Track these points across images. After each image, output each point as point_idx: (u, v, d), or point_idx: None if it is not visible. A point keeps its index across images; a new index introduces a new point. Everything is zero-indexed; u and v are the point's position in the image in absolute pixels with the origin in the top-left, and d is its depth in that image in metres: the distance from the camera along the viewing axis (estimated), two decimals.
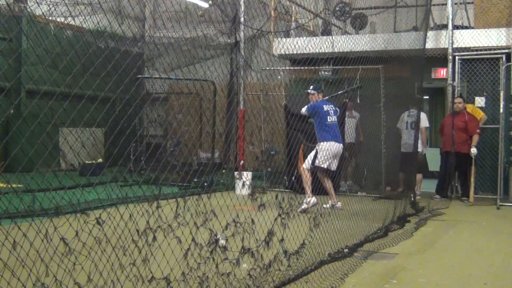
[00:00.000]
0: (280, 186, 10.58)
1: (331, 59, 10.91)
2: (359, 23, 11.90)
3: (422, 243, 6.43)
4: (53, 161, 3.92)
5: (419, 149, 10.17)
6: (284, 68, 12.13)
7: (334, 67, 11.19)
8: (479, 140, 10.06)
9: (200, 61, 13.49)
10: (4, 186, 4.30)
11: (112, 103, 4.32)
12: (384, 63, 9.03)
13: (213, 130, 12.97)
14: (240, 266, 3.94)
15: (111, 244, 3.27)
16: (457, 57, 10.64)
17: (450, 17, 10.76)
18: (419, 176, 10.41)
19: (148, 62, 15.18)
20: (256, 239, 4.11)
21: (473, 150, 9.87)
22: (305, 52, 9.90)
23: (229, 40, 14.04)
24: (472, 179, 9.91)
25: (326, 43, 10.08)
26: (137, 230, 3.38)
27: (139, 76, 13.21)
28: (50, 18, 10.88)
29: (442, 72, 11.33)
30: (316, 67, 11.32)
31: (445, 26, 11.19)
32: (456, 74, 10.66)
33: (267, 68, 11.64)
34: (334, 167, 8.50)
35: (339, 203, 8.39)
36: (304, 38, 12.13)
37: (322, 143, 8.37)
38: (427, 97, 15.57)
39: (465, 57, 10.66)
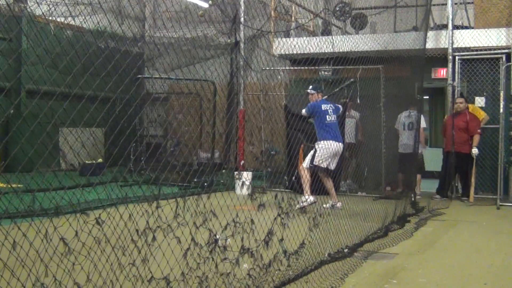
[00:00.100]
0: (280, 186, 10.58)
1: (331, 59, 10.91)
2: (359, 23, 11.89)
3: (422, 243, 6.43)
4: (53, 161, 3.93)
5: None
6: (284, 68, 12.14)
7: (334, 67, 11.20)
8: (479, 140, 10.06)
9: (200, 61, 13.49)
10: (4, 186, 4.30)
11: (112, 103, 4.32)
12: (384, 63, 9.03)
13: (213, 130, 12.98)
14: (241, 266, 3.94)
15: (110, 244, 3.26)
16: (457, 57, 10.64)
17: (450, 17, 10.76)
18: (418, 176, 10.44)
19: (148, 62, 15.18)
20: (256, 239, 4.10)
21: (474, 151, 9.87)
22: (305, 52, 9.90)
23: (229, 40, 14.03)
24: (473, 179, 9.91)
25: (326, 43, 10.07)
26: (137, 230, 3.38)
27: (139, 76, 13.21)
28: (50, 18, 10.87)
29: (442, 72, 11.33)
30: (316, 67, 11.32)
31: (445, 26, 11.19)
32: (456, 74, 10.66)
33: (267, 68, 11.64)
34: (333, 166, 8.51)
35: (338, 203, 8.41)
36: (304, 38, 12.13)
37: (321, 142, 8.40)
38: (427, 97, 15.56)
39: (465, 57, 10.66)
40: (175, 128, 12.98)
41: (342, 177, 10.39)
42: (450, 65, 10.72)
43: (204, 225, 3.73)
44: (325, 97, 9.11)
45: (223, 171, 12.31)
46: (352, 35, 11.46)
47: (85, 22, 9.35)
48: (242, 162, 11.59)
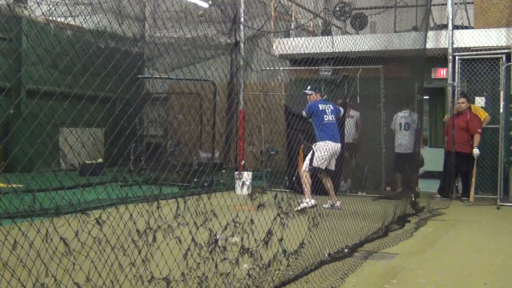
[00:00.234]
0: (281, 186, 10.59)
1: (331, 59, 10.91)
2: (359, 23, 11.90)
3: (422, 243, 6.43)
4: (53, 161, 3.93)
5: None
6: (284, 68, 12.14)
7: (334, 67, 11.20)
8: (480, 140, 10.05)
9: (200, 61, 13.49)
10: (4, 186, 4.30)
11: (112, 103, 4.32)
12: (384, 63, 9.03)
13: (213, 130, 12.98)
14: (241, 266, 3.94)
15: (110, 244, 3.26)
16: (457, 57, 10.64)
17: (450, 17, 10.76)
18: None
19: (148, 62, 15.18)
20: (256, 239, 4.11)
21: (476, 151, 9.87)
22: (305, 52, 9.90)
23: (229, 40, 14.03)
24: (473, 180, 9.91)
25: (326, 43, 10.07)
26: (137, 230, 3.38)
27: (139, 76, 13.21)
28: (50, 18, 10.88)
29: (442, 72, 11.33)
30: (316, 67, 11.32)
31: (445, 26, 11.19)
32: (456, 74, 10.66)
33: (267, 68, 11.64)
34: (333, 166, 8.51)
35: (338, 202, 8.41)
36: (304, 38, 12.13)
37: (318, 143, 8.40)
38: (427, 97, 15.57)
39: (465, 57, 10.66)
40: (175, 128, 12.98)
41: (342, 177, 10.39)
42: (450, 65, 10.72)
43: (204, 225, 3.72)
44: (325, 97, 9.12)
45: (223, 171, 12.32)
46: (352, 35, 11.46)
47: (85, 22, 9.35)
48: (243, 162, 11.59)
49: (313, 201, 7.90)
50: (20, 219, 3.25)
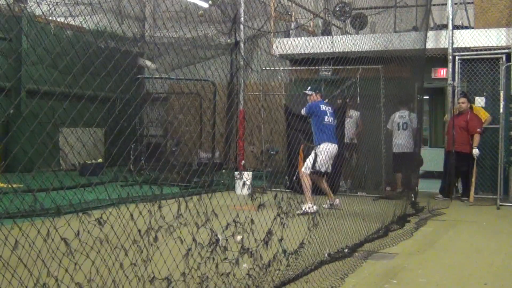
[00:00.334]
0: (281, 186, 10.59)
1: (331, 59, 10.91)
2: (359, 23, 11.90)
3: (422, 243, 6.44)
4: (53, 161, 3.93)
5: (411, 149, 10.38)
6: (284, 68, 12.13)
7: (334, 67, 11.20)
8: (480, 140, 10.05)
9: (200, 61, 13.48)
10: (5, 186, 4.29)
11: (112, 103, 4.32)
12: (384, 63, 9.03)
13: (214, 130, 12.98)
14: (240, 266, 3.94)
15: (109, 245, 3.26)
16: (457, 57, 10.65)
17: (450, 17, 10.76)
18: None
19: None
20: (256, 239, 4.11)
21: (475, 152, 9.87)
22: (305, 52, 9.90)
23: (229, 40, 14.03)
24: (473, 180, 9.91)
25: (326, 43, 10.08)
26: (139, 230, 3.37)
27: (139, 76, 13.21)
28: (50, 18, 10.88)
29: (442, 72, 11.34)
30: (316, 67, 11.32)
31: (445, 26, 11.19)
32: (456, 74, 10.67)
33: (267, 68, 11.64)
34: (330, 168, 8.48)
35: (336, 200, 8.37)
36: (304, 38, 12.13)
37: (321, 145, 8.28)
38: (427, 97, 15.57)
39: (465, 57, 10.66)
40: (175, 128, 12.98)
41: (342, 177, 10.40)
42: (450, 65, 10.73)
43: (205, 225, 3.72)
44: (326, 100, 9.10)
45: (223, 171, 12.32)
46: (352, 35, 11.46)
47: (85, 22, 9.35)
48: (243, 162, 11.59)
49: (315, 208, 7.78)
50: (21, 219, 3.25)
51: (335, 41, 9.66)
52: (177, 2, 11.15)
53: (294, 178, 10.11)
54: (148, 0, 15.85)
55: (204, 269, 3.71)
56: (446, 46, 10.75)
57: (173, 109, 14.25)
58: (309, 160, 8.38)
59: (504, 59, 9.97)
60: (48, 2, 10.80)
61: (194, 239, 3.62)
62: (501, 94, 9.68)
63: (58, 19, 11.27)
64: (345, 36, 11.17)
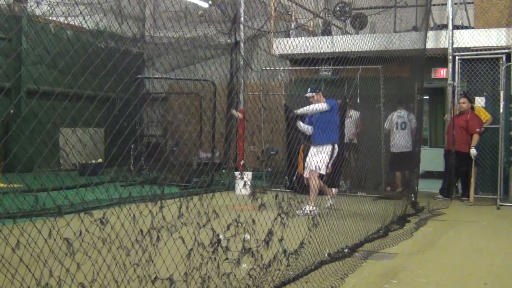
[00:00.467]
0: (281, 186, 10.59)
1: (331, 59, 10.91)
2: (359, 23, 11.90)
3: (422, 243, 6.43)
4: (53, 161, 3.92)
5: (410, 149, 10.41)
6: (284, 68, 12.13)
7: (334, 67, 11.20)
8: (479, 140, 10.05)
9: (200, 61, 13.49)
10: (5, 186, 4.29)
11: (113, 103, 4.32)
12: (384, 63, 9.03)
13: (213, 130, 12.98)
14: (240, 266, 3.94)
15: (113, 244, 3.26)
16: (457, 57, 10.64)
17: (450, 17, 10.76)
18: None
19: (148, 62, 15.19)
20: (257, 239, 4.10)
21: (473, 151, 9.86)
22: (305, 52, 9.90)
23: (229, 40, 14.03)
24: (473, 180, 9.91)
25: (326, 43, 10.07)
26: (141, 230, 3.37)
27: (139, 76, 13.21)
28: (50, 18, 10.88)
29: (442, 72, 11.34)
30: (316, 67, 11.32)
31: (445, 26, 11.19)
32: (456, 74, 10.66)
33: (267, 68, 11.63)
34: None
35: (330, 201, 8.34)
36: (304, 38, 12.12)
37: (334, 145, 8.16)
38: (427, 97, 15.57)
39: (465, 57, 10.66)
40: (175, 128, 12.98)
41: (342, 177, 10.39)
42: (450, 65, 10.72)
43: (207, 225, 3.72)
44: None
45: (223, 171, 12.32)
46: (352, 35, 11.46)
47: (85, 22, 9.35)
48: (242, 162, 11.59)
49: (316, 211, 7.74)
50: (22, 219, 3.25)
51: (335, 41, 9.65)
52: (177, 2, 11.14)
53: (294, 178, 10.11)
54: (148, 0, 15.85)
55: (205, 270, 3.71)
56: (446, 46, 10.75)
57: (172, 109, 14.26)
58: (322, 161, 8.11)
59: (504, 59, 9.97)
60: (48, 2, 10.80)
61: (196, 239, 3.62)
62: (501, 94, 9.67)
63: (58, 19, 11.27)
64: (345, 36, 11.17)
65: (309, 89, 8.70)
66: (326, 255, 5.23)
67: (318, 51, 9.68)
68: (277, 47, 11.69)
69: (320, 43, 10.26)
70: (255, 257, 4.04)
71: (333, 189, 8.34)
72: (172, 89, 15.18)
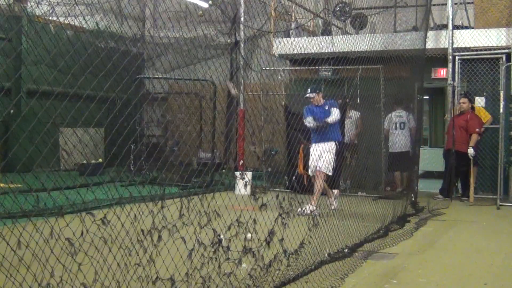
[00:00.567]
0: (281, 186, 10.59)
1: (331, 59, 10.91)
2: (359, 23, 11.90)
3: (422, 243, 6.43)
4: (53, 160, 3.93)
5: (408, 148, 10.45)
6: (284, 68, 12.13)
7: (334, 67, 11.20)
8: (478, 140, 10.04)
9: (200, 61, 13.48)
10: (4, 185, 4.29)
11: (113, 103, 4.32)
12: (384, 63, 9.03)
13: (213, 130, 12.97)
14: (240, 266, 3.94)
15: (114, 244, 3.26)
16: (457, 57, 10.64)
17: (450, 17, 10.76)
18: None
19: (148, 62, 15.18)
20: (258, 239, 4.10)
21: (470, 151, 9.86)
22: (305, 52, 9.90)
23: (229, 40, 14.03)
24: (472, 179, 9.91)
25: (326, 43, 10.07)
26: (142, 230, 3.37)
27: (139, 76, 13.20)
28: (50, 18, 10.88)
29: (442, 72, 11.34)
30: (316, 67, 11.32)
31: (445, 26, 11.19)
32: (456, 74, 10.67)
33: (267, 68, 11.63)
34: None
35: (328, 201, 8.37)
36: (304, 38, 12.12)
37: (337, 144, 8.24)
38: (427, 97, 15.57)
39: (465, 57, 10.66)
40: (175, 128, 12.97)
41: (342, 177, 10.38)
42: (450, 65, 10.72)
43: (208, 225, 3.72)
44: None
45: (223, 171, 12.31)
46: (352, 35, 11.46)
47: (85, 22, 9.35)
48: (242, 162, 11.58)
49: (317, 212, 7.73)
50: (23, 219, 3.24)
51: (335, 41, 9.65)
52: (177, 2, 11.15)
53: (294, 178, 10.10)
54: (148, 0, 15.85)
55: (206, 270, 3.71)
56: (446, 46, 10.75)
57: (172, 110, 14.25)
58: (329, 161, 8.14)
59: (504, 59, 9.97)
60: (48, 2, 10.80)
61: (197, 239, 3.62)
62: (501, 94, 9.67)
63: (58, 19, 11.27)
64: (345, 36, 11.17)
65: (309, 89, 8.68)
66: (326, 255, 5.23)
67: (318, 51, 9.68)
68: (277, 47, 11.69)
69: (320, 43, 10.25)
70: (256, 257, 4.04)
71: (335, 191, 8.35)
72: (172, 89, 15.18)
